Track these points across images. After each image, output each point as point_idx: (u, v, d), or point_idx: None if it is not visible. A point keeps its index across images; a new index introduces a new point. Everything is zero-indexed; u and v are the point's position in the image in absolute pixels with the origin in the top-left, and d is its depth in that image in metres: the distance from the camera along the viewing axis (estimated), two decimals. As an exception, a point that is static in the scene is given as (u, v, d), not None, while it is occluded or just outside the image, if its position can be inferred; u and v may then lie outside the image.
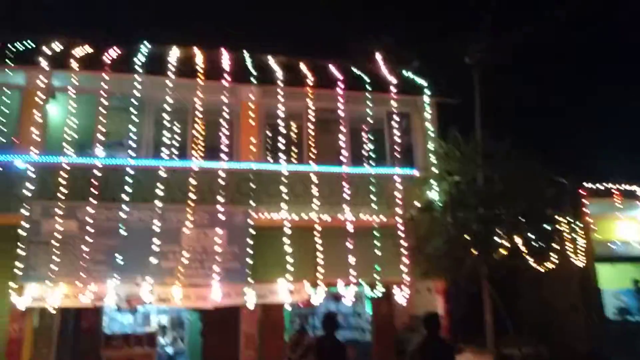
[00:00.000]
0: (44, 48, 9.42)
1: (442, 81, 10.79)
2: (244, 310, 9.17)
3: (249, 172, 9.61)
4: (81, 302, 8.33)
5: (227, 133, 9.73)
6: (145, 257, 8.63)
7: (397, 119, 10.53)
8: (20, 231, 8.35)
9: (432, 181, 9.35)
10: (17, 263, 8.23)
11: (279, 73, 10.21)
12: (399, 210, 9.46)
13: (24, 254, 8.30)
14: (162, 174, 9.14)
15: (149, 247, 8.68)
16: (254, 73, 10.07)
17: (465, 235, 8.62)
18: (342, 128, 10.31)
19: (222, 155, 9.57)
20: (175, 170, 9.32)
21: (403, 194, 9.78)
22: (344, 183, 9.88)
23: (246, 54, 10.91)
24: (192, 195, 9.17)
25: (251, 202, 9.45)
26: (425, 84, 10.77)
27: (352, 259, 9.43)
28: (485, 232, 8.46)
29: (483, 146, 9.28)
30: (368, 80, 10.53)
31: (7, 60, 8.97)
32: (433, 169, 9.39)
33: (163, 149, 9.50)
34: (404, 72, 11.30)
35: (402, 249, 9.54)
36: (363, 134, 10.59)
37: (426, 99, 10.66)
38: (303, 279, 9.28)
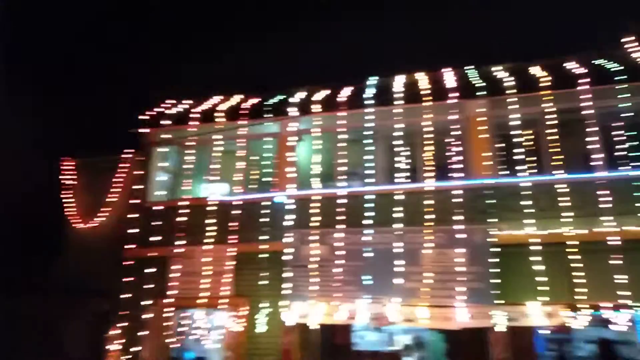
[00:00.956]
0: (292, 99, 10.97)
1: None
2: (491, 334, 8.63)
3: (484, 187, 9.21)
4: (336, 319, 9.09)
5: (459, 149, 9.59)
6: (390, 277, 8.97)
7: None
8: (285, 257, 9.67)
9: None
10: (284, 284, 9.53)
11: (508, 81, 9.65)
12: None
13: (289, 275, 9.56)
14: (399, 197, 9.47)
15: (392, 268, 9.00)
16: (480, 86, 9.75)
17: None
18: (589, 129, 9.08)
19: (454, 174, 9.45)
20: (410, 193, 9.57)
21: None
22: (599, 190, 8.60)
23: (470, 69, 10.67)
24: (428, 216, 9.23)
25: (490, 219, 9.00)
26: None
27: (620, 277, 8.02)
28: None
29: None
30: (617, 69, 9.09)
31: (265, 114, 10.75)
32: None
33: (396, 174, 9.88)
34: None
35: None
36: (617, 132, 9.11)
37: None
38: (558, 301, 8.29)
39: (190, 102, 12.17)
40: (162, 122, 11.26)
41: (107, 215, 11.33)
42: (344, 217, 9.64)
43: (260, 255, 9.78)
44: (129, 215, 10.73)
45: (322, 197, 9.96)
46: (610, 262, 8.15)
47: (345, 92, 10.77)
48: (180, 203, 10.65)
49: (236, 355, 9.63)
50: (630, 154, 8.92)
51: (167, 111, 11.69)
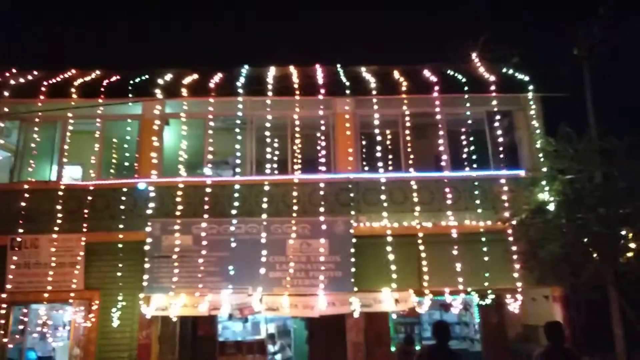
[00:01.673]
0: (158, 80, 10.36)
1: (547, 75, 10.13)
2: (349, 319, 9.21)
3: (348, 182, 9.73)
4: (199, 311, 8.90)
5: (325, 144, 9.98)
6: (255, 268, 9.04)
7: (499, 118, 10.08)
8: (145, 247, 9.17)
9: (542, 182, 8.75)
10: (144, 276, 9.04)
11: (373, 82, 10.26)
12: (506, 214, 8.97)
13: (148, 267, 9.09)
14: (266, 188, 9.55)
15: (258, 258, 9.09)
16: (348, 85, 10.23)
17: (584, 239, 7.94)
18: (440, 132, 10.10)
19: (321, 167, 9.82)
20: (277, 184, 9.71)
21: (510, 196, 9.28)
22: (445, 188, 9.63)
23: (339, 68, 11.12)
24: (294, 207, 9.48)
25: (351, 211, 9.54)
26: (527, 79, 10.21)
27: (458, 266, 9.10)
28: (609, 233, 7.70)
29: (600, 142, 8.51)
30: (465, 81, 10.22)
31: (128, 94, 10.00)
32: (542, 168, 8.78)
33: (266, 164, 9.94)
34: (503, 69, 10.80)
35: (512, 255, 9.03)
36: (462, 136, 10.28)
37: (530, 95, 10.09)
38: (408, 287, 9.14)
39: (40, 73, 10.85)
40: (3, 92, 9.85)
41: None
42: (209, 207, 9.43)
43: (116, 245, 9.14)
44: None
45: (188, 185, 9.63)
46: (451, 252, 9.17)
47: (217, 78, 10.50)
48: (23, 186, 9.47)
49: (86, 352, 8.93)
50: (471, 157, 10.10)
51: (9, 80, 10.27)
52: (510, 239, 9.04)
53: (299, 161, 10.00)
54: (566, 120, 8.72)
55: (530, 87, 10.11)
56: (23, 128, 10.30)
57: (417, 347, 9.27)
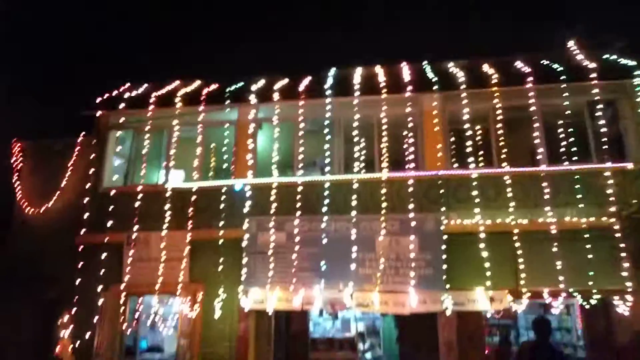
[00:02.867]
0: (251, 86, 10.99)
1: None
2: (441, 318, 9.08)
3: (437, 178, 9.62)
4: (293, 305, 9.27)
5: (413, 142, 9.96)
6: (346, 264, 9.24)
7: (601, 107, 9.43)
8: (243, 243, 9.74)
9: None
10: (242, 270, 9.61)
11: (461, 77, 10.08)
12: (613, 209, 8.34)
13: (246, 262, 9.64)
14: (355, 186, 9.74)
15: (348, 255, 9.27)
16: (435, 80, 10.14)
17: None
18: (535, 125, 9.65)
19: (409, 165, 9.81)
20: (365, 183, 9.85)
21: (616, 190, 8.63)
22: (542, 183, 9.18)
23: (426, 64, 11.06)
24: (383, 205, 9.56)
25: (441, 208, 9.42)
26: (634, 64, 9.45)
27: (559, 265, 8.62)
28: None
29: None
30: (562, 70, 9.69)
31: (225, 101, 10.73)
32: (653, 158, 8.09)
33: (354, 163, 10.14)
34: (605, 55, 10.10)
35: (621, 253, 8.37)
36: (560, 129, 9.74)
37: (638, 80, 9.33)
38: (503, 287, 8.83)
39: (148, 85, 11.97)
40: (118, 105, 11.01)
41: (59, 200, 10.99)
42: (301, 205, 9.80)
43: (217, 242, 9.81)
44: (82, 200, 10.48)
45: (281, 185, 10.08)
46: (551, 250, 8.72)
47: (305, 82, 10.91)
48: (136, 189, 10.49)
49: (191, 342, 9.65)
50: (570, 150, 9.53)
51: (124, 94, 11.45)
52: (618, 235, 8.39)
53: (387, 160, 10.05)
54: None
55: (637, 72, 9.34)
56: (135, 136, 11.42)
57: (514, 349, 8.90)
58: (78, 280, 9.81)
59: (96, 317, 9.64)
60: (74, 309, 9.77)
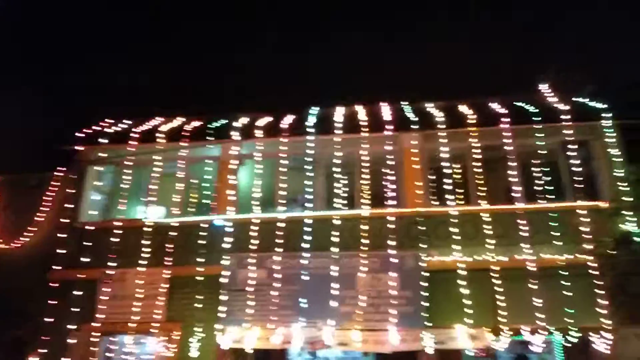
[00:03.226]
0: (234, 123, 11.10)
1: (626, 101, 9.76)
2: (421, 357, 8.96)
3: (417, 215, 9.71)
4: (272, 343, 9.05)
5: (393, 179, 10.10)
6: (326, 301, 9.14)
7: (574, 148, 9.75)
8: (222, 280, 9.59)
9: (627, 212, 8.27)
10: (220, 308, 9.41)
11: (439, 117, 10.36)
12: (588, 247, 8.50)
13: (225, 299, 9.46)
14: (336, 222, 9.76)
15: (329, 292, 9.19)
16: (414, 120, 10.40)
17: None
18: (510, 164, 9.90)
19: (390, 202, 9.91)
20: (347, 219, 9.89)
21: (591, 228, 8.82)
22: (519, 221, 9.34)
23: (405, 104, 11.36)
24: (364, 242, 9.57)
25: (422, 245, 9.48)
26: (604, 106, 9.87)
27: (537, 302, 8.67)
28: None
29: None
30: (535, 112, 10.05)
31: (208, 137, 10.79)
32: (625, 197, 8.32)
33: (335, 200, 10.19)
34: (577, 98, 10.53)
35: (598, 290, 8.47)
36: (535, 168, 10.00)
37: (608, 123, 9.72)
38: (483, 324, 8.80)
39: (130, 121, 11.99)
40: (99, 140, 10.97)
41: (33, 235, 10.73)
42: (282, 242, 9.75)
43: (195, 279, 9.63)
44: (57, 235, 10.25)
45: (261, 221, 10.05)
46: (530, 287, 8.77)
47: (288, 120, 11.07)
48: (114, 224, 10.33)
49: (166, 382, 9.31)
50: (546, 188, 9.76)
51: (104, 129, 11.44)
52: (595, 272, 8.51)
53: (368, 196, 10.13)
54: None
55: (608, 115, 9.74)
56: (115, 172, 11.34)
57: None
58: (48, 319, 9.47)
59: (66, 358, 9.25)
60: (44, 349, 9.39)
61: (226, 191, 10.43)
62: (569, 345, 8.84)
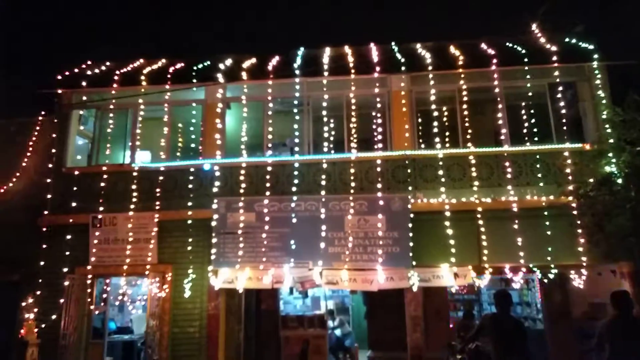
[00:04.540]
0: (219, 65, 10.82)
1: (614, 43, 9.69)
2: (407, 294, 9.35)
3: (404, 158, 9.80)
4: (263, 283, 9.35)
5: (381, 122, 10.08)
6: (315, 243, 9.36)
7: (562, 90, 9.77)
8: (212, 223, 9.72)
9: (609, 153, 8.44)
10: (211, 250, 9.61)
11: (428, 58, 10.22)
12: (570, 188, 8.73)
13: (215, 242, 9.64)
14: (324, 166, 9.82)
15: (318, 234, 9.39)
16: (403, 62, 10.24)
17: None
18: (499, 106, 9.92)
19: (377, 145, 9.95)
20: (335, 163, 9.94)
21: (574, 169, 9.02)
22: (505, 163, 9.49)
23: (394, 45, 11.14)
24: (352, 185, 9.69)
25: (409, 187, 9.63)
26: (592, 47, 9.80)
27: (519, 242, 8.99)
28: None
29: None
30: (524, 53, 9.95)
31: (192, 79, 10.55)
32: (609, 139, 8.46)
33: (323, 143, 10.20)
34: (566, 39, 10.42)
35: (577, 229, 8.79)
36: (523, 110, 10.05)
37: (595, 64, 9.70)
38: (467, 263, 9.15)
39: (112, 63, 11.62)
40: (80, 83, 10.66)
41: (19, 180, 10.64)
42: (271, 185, 9.82)
43: (186, 222, 9.75)
44: (45, 181, 10.19)
45: (250, 165, 10.07)
46: (512, 227, 9.06)
47: (274, 62, 10.83)
48: (101, 169, 10.26)
49: (161, 322, 9.63)
50: (532, 131, 9.86)
51: (85, 72, 11.09)
52: (575, 212, 8.79)
53: (356, 140, 10.15)
54: (634, 88, 8.35)
55: (595, 56, 9.70)
56: (99, 116, 11.12)
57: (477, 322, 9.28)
58: (42, 262, 9.61)
59: (62, 299, 9.48)
60: (39, 292, 9.60)
61: (214, 135, 10.34)
62: (547, 282, 9.27)
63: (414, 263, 9.16)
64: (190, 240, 9.74)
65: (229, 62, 11.06)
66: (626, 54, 9.41)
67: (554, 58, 9.76)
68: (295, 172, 9.86)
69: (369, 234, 9.42)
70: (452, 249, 9.15)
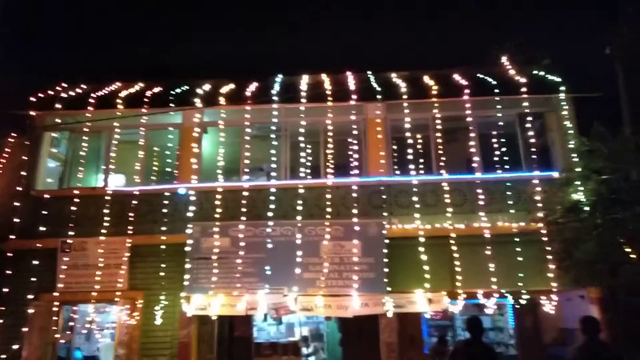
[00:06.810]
0: (197, 90, 10.85)
1: (579, 76, 10.14)
2: (382, 320, 9.34)
3: (380, 184, 9.93)
4: (237, 310, 9.20)
5: (357, 149, 10.22)
6: (290, 268, 9.30)
7: (531, 120, 10.12)
8: (186, 248, 9.58)
9: (576, 182, 8.72)
10: (185, 276, 9.44)
11: (403, 87, 10.47)
12: (540, 215, 8.96)
13: (189, 267, 9.48)
14: (301, 191, 9.85)
15: (293, 259, 9.34)
16: (379, 90, 10.47)
17: (621, 238, 7.86)
18: (471, 135, 10.19)
19: (353, 171, 10.06)
20: (311, 188, 9.99)
21: (543, 197, 9.28)
22: (477, 190, 9.70)
23: (370, 74, 11.40)
24: (328, 210, 9.72)
25: (384, 213, 9.72)
26: (559, 80, 10.23)
27: (492, 268, 9.13)
28: (647, 232, 7.61)
29: (636, 140, 8.44)
30: (495, 84, 10.31)
31: (169, 103, 10.53)
32: (576, 168, 8.75)
33: (300, 169, 10.25)
34: (534, 71, 10.86)
35: (547, 255, 8.99)
36: (494, 139, 10.33)
37: (562, 96, 10.11)
38: (441, 289, 9.22)
39: (87, 86, 11.53)
40: (54, 105, 10.50)
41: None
42: (246, 210, 9.78)
43: (159, 248, 9.58)
44: (12, 204, 9.90)
45: (226, 190, 10.02)
46: (485, 253, 9.21)
47: (252, 87, 10.92)
48: (72, 192, 10.05)
49: (130, 350, 9.34)
50: (503, 159, 10.13)
51: (60, 94, 10.96)
52: (545, 239, 9.00)
53: (332, 166, 10.24)
54: (599, 120, 8.70)
55: (562, 88, 10.12)
56: (72, 138, 10.96)
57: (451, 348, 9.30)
58: (5, 289, 9.26)
59: (25, 328, 9.11)
60: (1, 320, 9.21)
61: (190, 159, 10.28)
62: (519, 307, 9.40)
63: (388, 289, 9.18)
64: (163, 265, 9.55)
65: (206, 86, 11.10)
66: (591, 87, 9.84)
67: (523, 89, 10.13)
68: (272, 197, 9.86)
69: (345, 260, 9.42)
70: (427, 274, 9.22)
